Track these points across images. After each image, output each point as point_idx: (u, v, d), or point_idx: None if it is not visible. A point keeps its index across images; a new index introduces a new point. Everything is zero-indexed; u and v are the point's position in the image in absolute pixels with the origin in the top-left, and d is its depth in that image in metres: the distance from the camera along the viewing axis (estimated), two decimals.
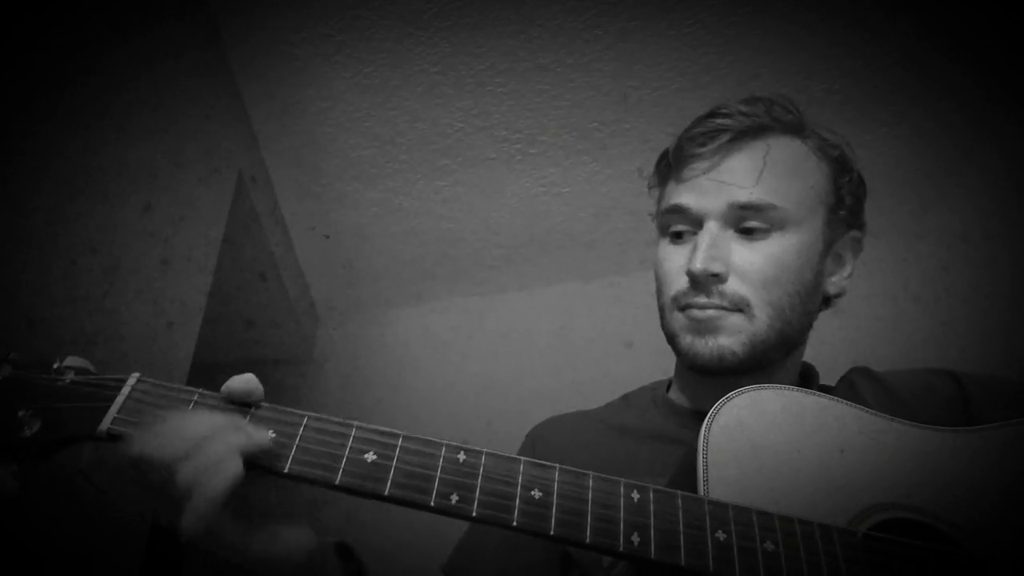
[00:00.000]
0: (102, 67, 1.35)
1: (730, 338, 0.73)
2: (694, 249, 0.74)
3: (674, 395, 0.85)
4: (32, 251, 1.17)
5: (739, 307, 0.73)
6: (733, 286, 0.73)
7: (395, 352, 2.68)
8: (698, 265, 0.72)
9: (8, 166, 1.13)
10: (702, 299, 0.73)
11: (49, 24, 1.22)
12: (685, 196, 0.77)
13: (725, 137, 0.76)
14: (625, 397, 0.90)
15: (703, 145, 0.76)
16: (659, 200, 0.84)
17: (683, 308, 0.75)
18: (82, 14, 1.30)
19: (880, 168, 2.22)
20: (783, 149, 0.77)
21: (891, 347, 2.24)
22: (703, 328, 0.74)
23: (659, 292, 0.80)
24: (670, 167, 0.81)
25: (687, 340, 0.75)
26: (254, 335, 2.51)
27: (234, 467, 0.52)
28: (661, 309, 0.80)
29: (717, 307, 0.73)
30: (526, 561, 0.76)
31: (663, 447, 0.74)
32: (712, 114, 0.79)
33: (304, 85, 1.91)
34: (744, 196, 0.74)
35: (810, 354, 0.86)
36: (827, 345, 2.27)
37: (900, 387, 0.78)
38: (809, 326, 0.79)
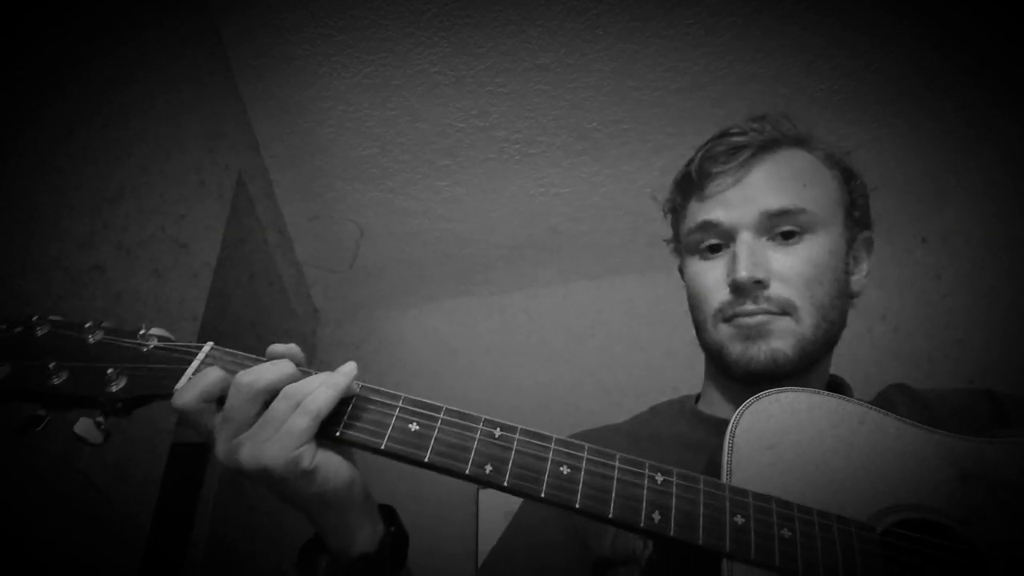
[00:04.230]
0: (102, 66, 1.35)
1: (781, 341, 0.74)
2: (733, 260, 0.76)
3: (703, 407, 0.87)
4: (31, 252, 1.17)
5: (786, 310, 0.75)
6: (777, 290, 0.75)
7: (394, 352, 2.68)
8: (743, 273, 0.74)
9: (7, 166, 1.13)
10: (749, 306, 0.75)
11: (48, 23, 1.22)
12: (714, 211, 0.79)
13: (747, 152, 0.78)
14: (652, 409, 0.92)
15: (726, 162, 0.79)
16: (680, 222, 0.86)
17: (729, 319, 0.76)
18: (82, 13, 1.30)
19: (881, 168, 2.22)
20: (798, 159, 0.81)
21: (890, 346, 2.25)
22: (754, 333, 0.75)
23: (697, 308, 0.81)
24: (691, 188, 0.83)
25: (737, 348, 0.76)
26: (254, 335, 2.51)
27: (330, 393, 0.58)
28: (700, 324, 0.81)
29: (765, 312, 0.74)
30: (558, 566, 0.77)
31: (692, 456, 0.74)
32: (726, 133, 0.82)
33: (304, 85, 1.91)
34: (776, 203, 0.76)
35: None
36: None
37: (938, 404, 0.80)
38: (844, 325, 0.81)
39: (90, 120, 1.32)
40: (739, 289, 0.75)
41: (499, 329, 2.67)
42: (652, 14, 1.76)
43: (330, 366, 0.63)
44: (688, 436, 0.81)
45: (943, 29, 1.78)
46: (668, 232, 0.91)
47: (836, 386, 0.86)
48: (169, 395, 0.60)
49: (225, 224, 1.83)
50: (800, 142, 0.83)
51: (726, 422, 0.76)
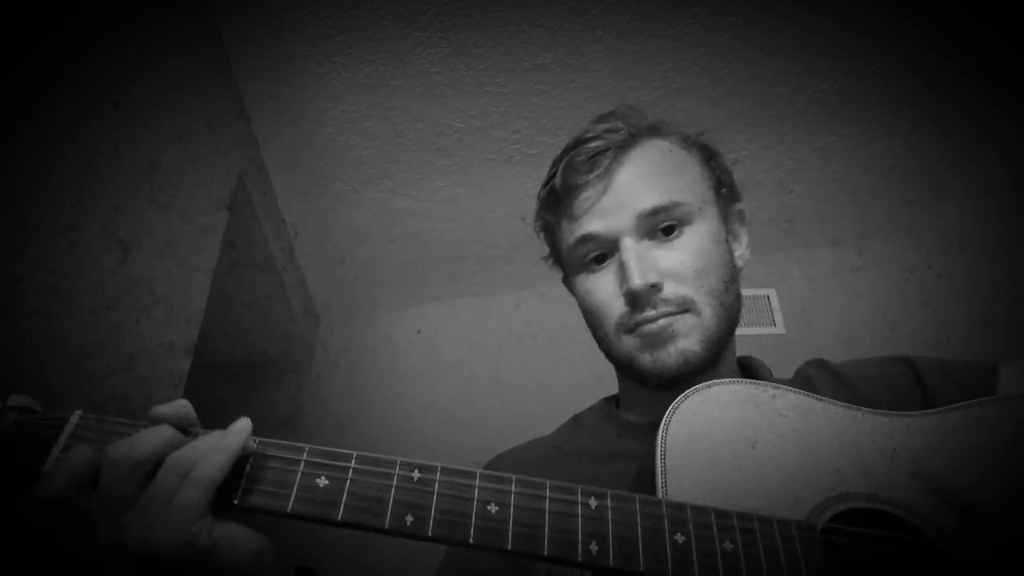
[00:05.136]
0: (102, 67, 1.35)
1: (687, 339, 0.73)
2: (622, 269, 0.75)
3: (624, 412, 0.85)
4: (29, 252, 1.18)
5: (685, 307, 0.74)
6: (672, 290, 0.74)
7: (394, 352, 2.68)
8: (636, 281, 0.72)
9: (7, 166, 1.13)
10: (649, 312, 0.73)
11: (48, 23, 1.22)
12: (590, 224, 0.77)
13: (607, 157, 0.78)
14: (575, 419, 0.90)
15: (589, 171, 0.77)
16: (558, 240, 0.84)
17: (631, 329, 0.75)
18: (81, 13, 1.30)
19: (880, 168, 2.22)
20: (658, 151, 0.80)
21: (887, 343, 2.25)
22: (661, 339, 0.74)
23: (596, 324, 0.80)
24: (559, 204, 0.81)
25: (647, 357, 0.75)
26: (254, 336, 2.51)
27: (223, 458, 0.52)
28: (603, 338, 0.79)
29: (666, 314, 0.73)
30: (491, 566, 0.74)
31: (623, 464, 0.74)
32: (581, 141, 0.80)
33: (304, 85, 1.91)
34: (648, 203, 0.75)
35: (791, 354, 0.86)
36: (812, 341, 2.27)
37: (856, 377, 0.79)
38: (741, 304, 0.80)
39: (89, 120, 1.32)
40: (635, 298, 0.73)
41: (499, 329, 2.67)
42: (652, 14, 1.76)
43: (331, 366, 0.60)
44: (615, 445, 0.79)
45: (943, 29, 1.78)
46: (546, 249, 0.91)
47: (749, 368, 0.85)
48: (36, 479, 0.53)
49: (225, 225, 1.83)
50: (654, 131, 0.82)
51: (650, 426, 0.74)
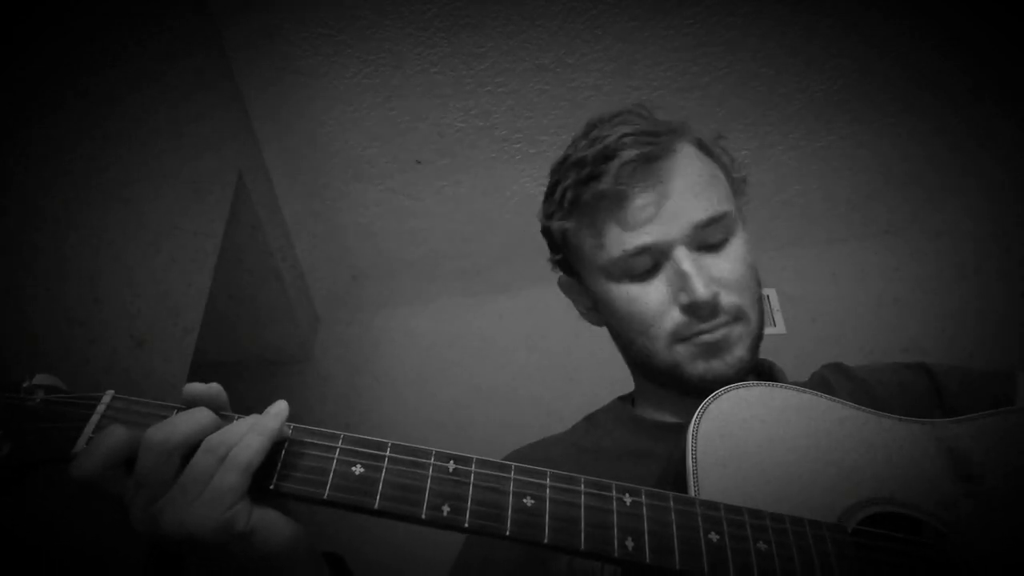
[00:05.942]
0: (102, 68, 1.35)
1: (740, 347, 0.74)
2: (680, 279, 0.72)
3: (641, 411, 0.85)
4: (30, 252, 1.18)
5: (738, 316, 0.74)
6: (727, 299, 0.73)
7: (396, 352, 2.68)
8: (703, 291, 0.71)
9: (6, 166, 1.13)
10: (710, 323, 0.73)
11: (49, 25, 1.22)
12: (647, 234, 0.74)
13: (660, 164, 0.75)
14: (589, 418, 0.90)
15: (644, 179, 0.74)
16: (597, 247, 0.78)
17: (687, 338, 0.74)
18: (82, 16, 1.30)
19: (881, 167, 2.22)
20: (696, 159, 0.78)
21: (890, 339, 2.25)
22: (718, 348, 0.73)
23: (639, 332, 0.77)
24: (604, 210, 0.76)
25: (700, 366, 0.74)
26: (254, 335, 2.51)
27: (261, 441, 0.51)
28: (643, 347, 0.77)
29: (724, 324, 0.73)
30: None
31: (639, 462, 0.74)
32: (618, 147, 0.75)
33: (304, 85, 1.91)
34: (703, 214, 0.74)
35: (792, 355, 0.86)
36: (812, 342, 2.27)
37: (874, 382, 0.79)
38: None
39: (91, 121, 1.32)
40: (698, 308, 0.72)
41: (500, 328, 2.67)
42: (652, 14, 1.77)
43: (332, 366, 0.60)
44: (633, 444, 0.79)
45: (943, 29, 1.79)
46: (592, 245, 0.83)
47: (763, 369, 0.85)
48: (67, 459, 0.52)
49: (225, 224, 1.83)
50: (682, 135, 0.80)
51: (672, 426, 0.76)
